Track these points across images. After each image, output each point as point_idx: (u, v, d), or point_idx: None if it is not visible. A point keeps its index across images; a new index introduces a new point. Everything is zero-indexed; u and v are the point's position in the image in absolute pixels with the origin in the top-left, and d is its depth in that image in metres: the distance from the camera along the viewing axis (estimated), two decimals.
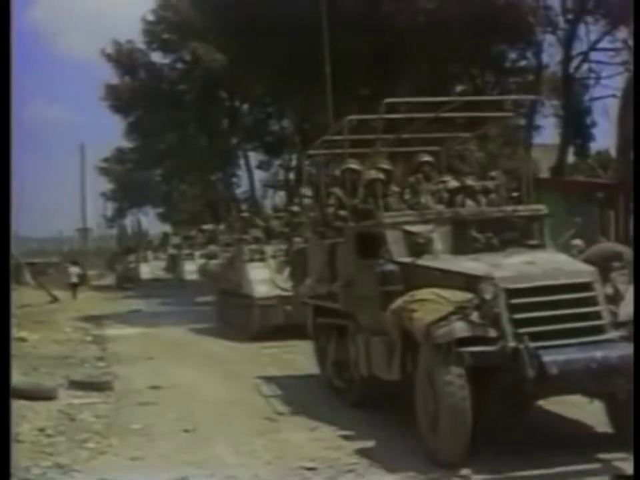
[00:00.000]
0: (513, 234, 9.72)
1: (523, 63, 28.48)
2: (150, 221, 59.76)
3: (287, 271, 15.70)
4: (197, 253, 29.71)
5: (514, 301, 7.68)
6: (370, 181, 10.41)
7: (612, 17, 24.98)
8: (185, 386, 12.71)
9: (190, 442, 9.07)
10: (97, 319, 24.85)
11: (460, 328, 7.50)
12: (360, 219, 10.16)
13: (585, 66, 27.93)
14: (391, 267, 8.84)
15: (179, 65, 38.03)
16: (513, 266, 8.29)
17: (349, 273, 10.07)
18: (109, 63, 38.82)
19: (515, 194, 10.66)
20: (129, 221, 61.50)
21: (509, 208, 9.76)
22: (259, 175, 41.83)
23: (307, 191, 12.64)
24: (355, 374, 10.29)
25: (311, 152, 12.51)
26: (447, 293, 7.88)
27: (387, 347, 8.79)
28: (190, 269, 29.37)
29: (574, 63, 27.40)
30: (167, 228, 50.69)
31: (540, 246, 9.64)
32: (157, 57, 39.10)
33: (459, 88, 28.39)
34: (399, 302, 8.18)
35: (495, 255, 9.01)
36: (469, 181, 10.66)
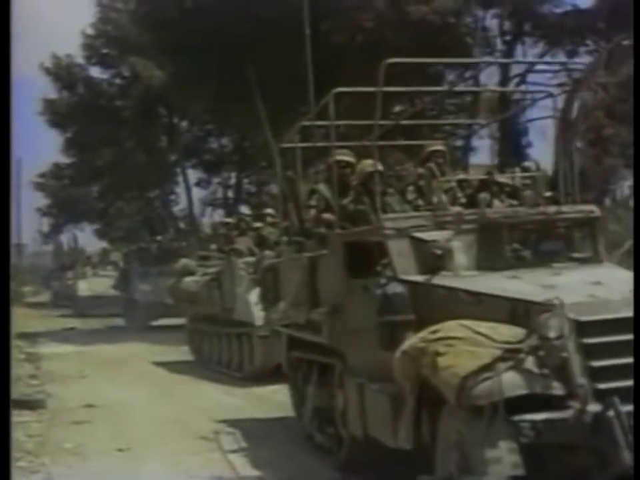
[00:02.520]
0: (555, 243, 7.24)
1: (461, 84, 27.41)
2: (86, 237, 58.53)
3: (251, 293, 13.02)
4: (154, 270, 26.51)
5: (590, 340, 5.15)
6: (366, 175, 7.91)
7: (549, 39, 25.05)
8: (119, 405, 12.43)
9: (123, 461, 8.81)
10: (31, 337, 24.42)
11: (512, 383, 4.94)
12: (351, 223, 7.64)
13: (522, 87, 27.72)
14: (396, 288, 6.29)
15: (118, 81, 37.46)
16: (577, 288, 5.76)
17: (336, 297, 7.55)
18: (47, 76, 37.71)
19: (547, 193, 8.17)
20: (65, 237, 60.14)
21: (552, 209, 7.24)
22: (197, 192, 41.34)
23: (280, 192, 9.84)
24: (343, 431, 7.75)
25: (285, 145, 9.95)
26: (485, 327, 5.31)
27: (392, 401, 6.24)
28: (145, 289, 26.39)
29: (511, 85, 27.30)
30: (104, 244, 49.78)
31: (593, 259, 7.17)
32: (95, 72, 38.44)
33: (397, 108, 26.99)
34: (414, 340, 5.61)
35: (538, 271, 6.52)
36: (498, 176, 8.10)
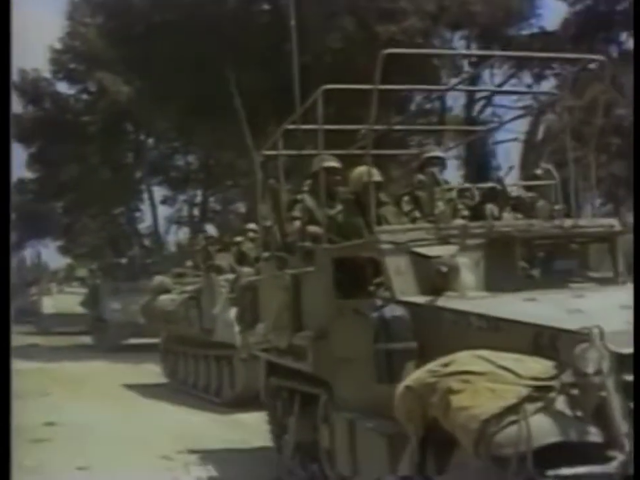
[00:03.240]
0: (570, 261, 6.42)
1: (427, 105, 27.94)
2: (50, 254, 57.41)
3: (232, 313, 12.04)
4: (125, 287, 25.34)
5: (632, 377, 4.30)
6: (363, 185, 7.07)
7: (515, 61, 25.22)
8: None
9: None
10: None
11: (542, 428, 4.04)
12: (340, 237, 6.79)
13: (488, 109, 28.58)
14: (395, 311, 5.41)
15: (85, 96, 37.59)
16: (609, 313, 4.91)
17: (323, 320, 6.69)
18: (13, 91, 36.82)
19: (557, 206, 7.33)
20: (28, 253, 59.66)
21: (569, 222, 6.40)
22: (162, 210, 41.59)
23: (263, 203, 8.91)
24: (330, 472, 6.87)
25: (266, 152, 9.08)
26: (508, 360, 4.43)
27: (390, 444, 5.37)
28: (115, 307, 25.26)
29: (477, 107, 27.88)
30: (68, 261, 49.01)
31: (613, 280, 6.36)
32: (62, 87, 38.49)
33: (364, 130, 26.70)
34: (420, 374, 4.71)
35: (556, 293, 5.68)
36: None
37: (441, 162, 7.79)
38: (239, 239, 15.40)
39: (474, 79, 25.53)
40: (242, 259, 14.16)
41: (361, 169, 7.25)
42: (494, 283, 5.89)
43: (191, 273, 17.54)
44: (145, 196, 39.86)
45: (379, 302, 5.56)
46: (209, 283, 14.26)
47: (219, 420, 12.40)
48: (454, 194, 7.50)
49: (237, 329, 10.90)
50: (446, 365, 4.49)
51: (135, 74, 26.60)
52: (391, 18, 21.65)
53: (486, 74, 26.60)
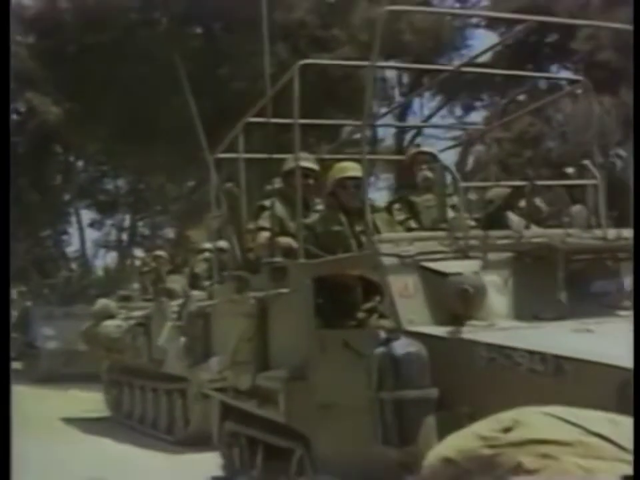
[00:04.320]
0: (606, 282, 5.08)
1: (358, 134, 26.93)
2: None
3: (180, 344, 10.39)
4: (59, 311, 23.35)
5: None
6: (339, 181, 5.67)
7: (446, 93, 25.15)
8: None
9: None
10: None
11: None
12: (322, 250, 5.36)
13: (419, 140, 27.17)
14: (408, 346, 3.99)
15: (14, 116, 35.48)
16: None
17: (300, 355, 5.25)
18: None
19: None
20: None
21: (612, 232, 5.04)
22: (90, 233, 39.82)
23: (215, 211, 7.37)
24: None
25: (220, 155, 7.60)
26: (600, 422, 3.01)
27: None
28: (49, 333, 23.23)
29: (408, 137, 27.57)
30: None
31: None
32: None
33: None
34: (466, 441, 3.23)
35: (609, 322, 4.32)
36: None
37: (432, 159, 6.39)
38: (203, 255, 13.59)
39: (404, 110, 25.84)
40: (195, 282, 12.51)
41: (344, 165, 5.87)
42: (525, 308, 4.53)
43: (138, 297, 15.82)
44: (73, 219, 38.54)
45: (382, 334, 4.13)
46: (160, 308, 12.55)
47: (171, 460, 10.75)
48: (455, 199, 6.12)
49: (185, 362, 9.37)
50: (507, 430, 3.03)
51: (66, 95, 25.98)
52: (325, 46, 21.46)
53: (416, 104, 26.81)
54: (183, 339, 9.93)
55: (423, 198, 6.12)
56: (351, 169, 5.69)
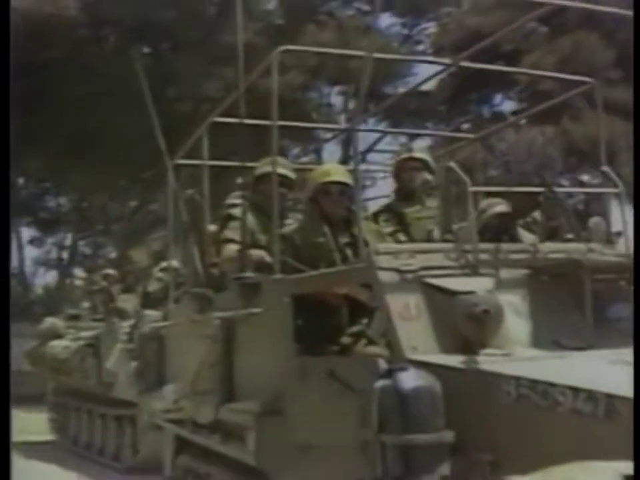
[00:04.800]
0: (624, 305, 4.41)
1: (304, 158, 27.69)
2: None
3: (130, 369, 9.51)
4: None
5: None
6: (322, 186, 4.96)
7: (391, 120, 24.74)
8: None
9: None
10: None
11: None
12: (304, 264, 4.63)
13: (362, 166, 27.27)
14: (417, 378, 3.27)
15: None
16: None
17: (274, 386, 4.49)
18: None
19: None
20: None
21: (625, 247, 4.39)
22: (30, 251, 40.03)
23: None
24: None
25: (179, 161, 6.83)
26: None
27: None
28: None
29: (352, 163, 26.88)
30: None
31: None
32: None
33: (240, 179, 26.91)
34: None
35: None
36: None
37: (425, 166, 5.71)
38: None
39: (350, 136, 25.39)
40: (147, 302, 11.64)
41: (322, 168, 5.18)
42: (544, 334, 3.85)
43: (87, 316, 14.91)
44: (13, 236, 36.66)
45: (383, 363, 3.41)
46: (110, 329, 11.65)
47: None
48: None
49: (136, 388, 8.55)
50: None
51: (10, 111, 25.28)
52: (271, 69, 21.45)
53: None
54: (134, 363, 9.10)
55: (413, 209, 5.45)
56: (335, 172, 4.99)
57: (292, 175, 5.82)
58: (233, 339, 5.14)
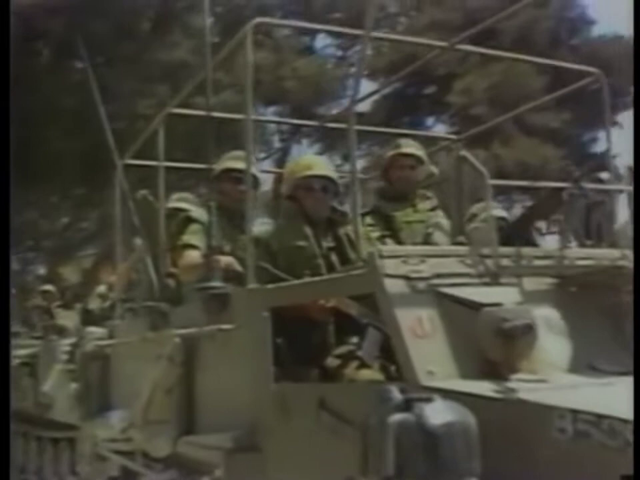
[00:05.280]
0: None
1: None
2: None
3: (70, 390, 8.68)
4: None
5: None
6: (303, 181, 4.27)
7: (325, 141, 25.01)
8: None
9: None
10: None
11: None
12: (282, 271, 3.93)
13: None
14: (447, 413, 2.58)
15: None
16: None
17: (249, 417, 3.77)
18: None
19: None
20: None
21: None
22: None
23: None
24: None
25: (128, 161, 6.09)
26: None
27: None
28: None
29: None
30: None
31: None
32: None
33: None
34: None
35: None
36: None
37: (418, 162, 5.04)
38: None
39: (283, 157, 25.33)
40: (88, 319, 10.80)
41: (302, 160, 4.50)
42: (577, 355, 3.21)
43: (24, 334, 14.01)
44: None
45: (393, 390, 2.72)
46: (48, 347, 10.80)
47: None
48: (440, 216, 4.78)
49: (76, 413, 7.74)
50: None
51: None
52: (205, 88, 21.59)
53: (295, 151, 26.16)
54: (74, 385, 8.28)
55: (403, 211, 4.79)
56: (318, 165, 4.30)
57: (258, 173, 5.14)
58: (195, 360, 4.42)
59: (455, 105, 20.68)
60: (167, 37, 21.48)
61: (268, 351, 3.60)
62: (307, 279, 3.70)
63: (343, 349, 3.85)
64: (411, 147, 5.03)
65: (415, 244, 4.51)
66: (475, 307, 3.01)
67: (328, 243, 4.19)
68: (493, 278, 3.25)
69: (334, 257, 4.11)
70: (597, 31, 24.17)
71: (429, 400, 2.56)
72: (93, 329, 8.61)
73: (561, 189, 3.56)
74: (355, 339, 3.84)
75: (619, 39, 19.87)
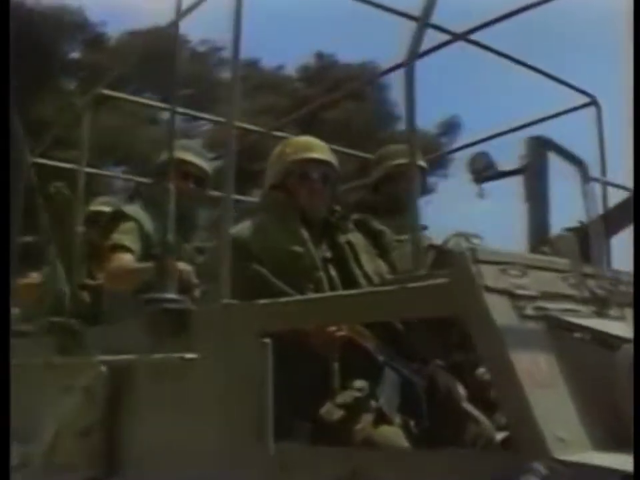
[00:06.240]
0: None
1: None
2: None
3: None
4: None
5: None
6: (299, 164, 3.25)
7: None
8: None
9: None
10: None
11: None
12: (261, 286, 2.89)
13: None
14: None
15: None
16: None
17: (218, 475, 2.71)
18: None
19: None
20: None
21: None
22: None
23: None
24: None
25: (37, 160, 4.89)
26: None
27: None
28: None
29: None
30: None
31: None
32: None
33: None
34: None
35: None
36: None
37: (420, 172, 4.10)
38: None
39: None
40: None
41: (298, 139, 3.46)
42: None
43: None
44: None
45: (538, 468, 1.74)
46: None
47: None
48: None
49: None
50: None
51: None
52: (116, 86, 23.39)
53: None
54: None
55: (393, 228, 3.82)
56: (318, 148, 3.30)
57: (207, 167, 4.11)
58: (126, 396, 3.31)
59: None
60: None
61: (265, 394, 2.53)
62: (328, 293, 2.67)
63: (346, 396, 2.80)
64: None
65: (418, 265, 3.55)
66: (614, 344, 2.08)
67: (323, 252, 3.18)
68: (602, 305, 2.34)
69: (332, 271, 3.10)
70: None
71: None
72: None
73: None
74: (359, 383, 2.83)
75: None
